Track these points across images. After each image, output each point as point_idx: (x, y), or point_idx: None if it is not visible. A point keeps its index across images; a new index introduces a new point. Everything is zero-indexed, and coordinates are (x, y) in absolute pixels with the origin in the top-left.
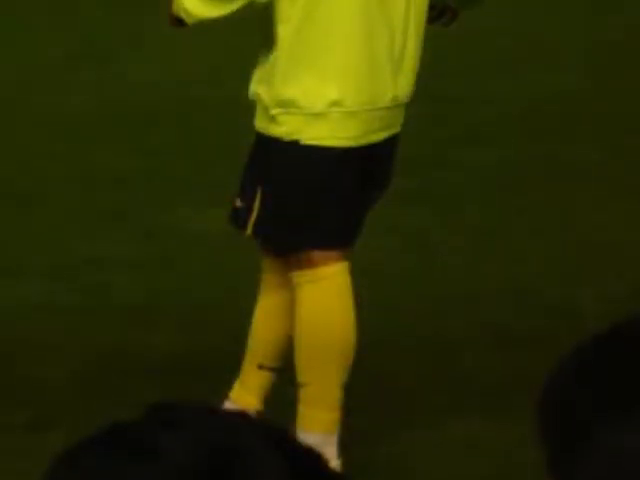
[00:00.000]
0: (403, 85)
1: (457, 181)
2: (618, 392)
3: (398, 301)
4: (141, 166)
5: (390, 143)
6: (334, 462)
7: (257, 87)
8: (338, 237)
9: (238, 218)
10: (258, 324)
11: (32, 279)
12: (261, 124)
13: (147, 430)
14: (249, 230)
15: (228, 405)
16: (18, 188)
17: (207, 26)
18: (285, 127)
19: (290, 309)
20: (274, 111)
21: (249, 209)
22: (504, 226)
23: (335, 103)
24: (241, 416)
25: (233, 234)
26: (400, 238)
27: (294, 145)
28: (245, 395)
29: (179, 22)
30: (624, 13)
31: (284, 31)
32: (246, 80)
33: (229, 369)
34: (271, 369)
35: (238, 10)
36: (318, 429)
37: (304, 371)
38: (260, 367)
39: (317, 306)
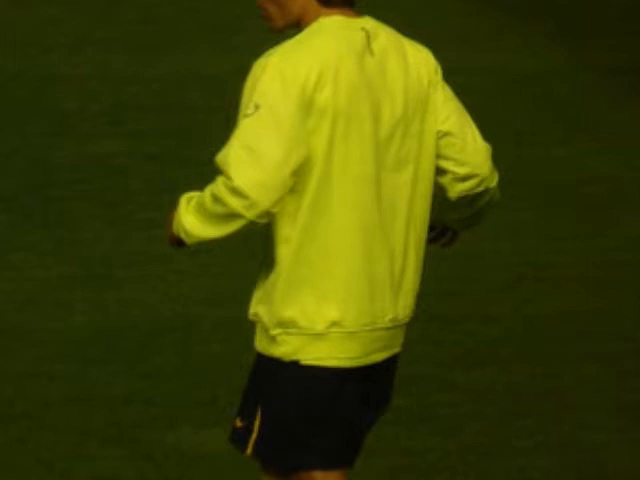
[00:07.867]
0: (403, 305)
1: (457, 401)
2: None
3: None
4: (141, 386)
5: (390, 363)
6: None
7: (257, 307)
8: (339, 457)
9: (239, 438)
10: None
11: None
12: (261, 344)
13: None
14: (249, 450)
15: None
16: (17, 409)
17: (206, 246)
18: (285, 347)
19: None
20: (274, 331)
21: (249, 429)
22: (505, 447)
23: (335, 323)
24: None
25: (233, 454)
26: (400, 457)
27: (294, 365)
28: None
29: (179, 242)
30: (621, 227)
31: (284, 251)
32: (246, 300)
33: None
34: None
35: (238, 230)
36: None
37: None
38: None
39: None
